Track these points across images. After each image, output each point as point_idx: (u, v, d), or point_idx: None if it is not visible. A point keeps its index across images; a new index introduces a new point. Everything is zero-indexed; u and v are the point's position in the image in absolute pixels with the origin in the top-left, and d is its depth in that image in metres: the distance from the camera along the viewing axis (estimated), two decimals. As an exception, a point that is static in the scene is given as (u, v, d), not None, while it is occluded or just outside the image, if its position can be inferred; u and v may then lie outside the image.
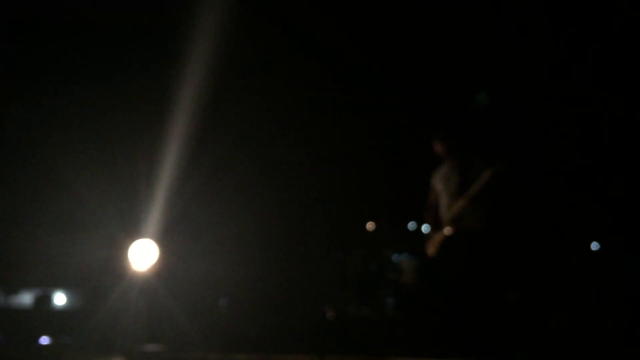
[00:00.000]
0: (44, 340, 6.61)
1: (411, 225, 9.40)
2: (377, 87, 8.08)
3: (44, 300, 8.04)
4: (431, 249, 4.72)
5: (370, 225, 9.14)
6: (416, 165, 8.49)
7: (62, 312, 8.00)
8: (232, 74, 6.73)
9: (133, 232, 5.44)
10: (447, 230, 4.55)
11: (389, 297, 8.00)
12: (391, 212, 8.88)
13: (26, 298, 8.13)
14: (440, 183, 4.72)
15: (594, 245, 8.38)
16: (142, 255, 5.16)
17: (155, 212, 5.76)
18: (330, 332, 7.53)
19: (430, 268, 5.74)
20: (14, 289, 8.06)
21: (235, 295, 7.56)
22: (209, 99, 6.55)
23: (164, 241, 5.45)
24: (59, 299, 8.15)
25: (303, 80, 7.65)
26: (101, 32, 6.48)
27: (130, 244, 5.22)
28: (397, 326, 7.20)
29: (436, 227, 4.78)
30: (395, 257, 8.43)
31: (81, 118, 6.48)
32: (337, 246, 8.89)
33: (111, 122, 6.39)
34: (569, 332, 5.97)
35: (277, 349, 5.96)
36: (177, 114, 6.17)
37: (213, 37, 6.11)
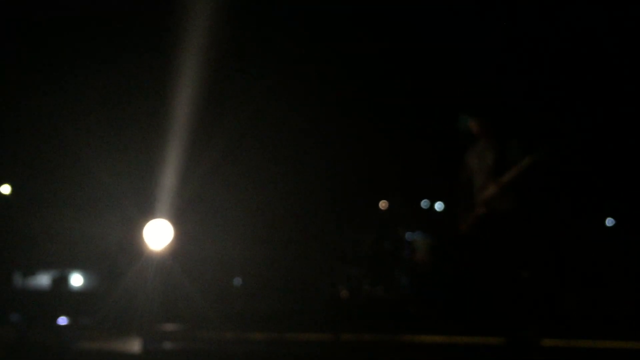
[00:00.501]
0: (62, 320, 6.70)
1: (424, 204, 9.38)
2: (391, 67, 8.03)
3: (61, 281, 8.14)
4: (463, 226, 4.66)
5: (383, 204, 9.10)
6: (429, 143, 8.49)
7: (80, 293, 8.11)
8: (243, 64, 6.75)
9: (148, 212, 5.47)
10: (480, 210, 4.49)
11: (402, 275, 8.00)
12: (404, 191, 8.85)
13: (44, 280, 8.24)
14: (474, 161, 4.60)
15: (609, 222, 8.38)
16: (158, 235, 5.19)
17: (170, 193, 5.78)
18: (344, 311, 7.57)
19: (451, 247, 5.68)
20: (31, 271, 8.17)
21: (249, 275, 7.62)
22: (221, 86, 6.57)
23: (179, 221, 5.47)
24: (76, 280, 8.25)
25: (315, 64, 7.64)
26: (120, 28, 6.53)
27: (145, 224, 5.25)
28: (411, 305, 7.20)
29: (468, 205, 4.70)
30: (408, 236, 8.40)
31: (98, 103, 6.52)
32: (351, 225, 8.88)
33: (126, 107, 6.42)
34: (585, 310, 5.97)
35: (292, 327, 6.02)
36: (192, 99, 6.18)
37: (224, 28, 6.14)
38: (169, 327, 5.60)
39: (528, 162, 4.09)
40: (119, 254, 6.18)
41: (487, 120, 4.45)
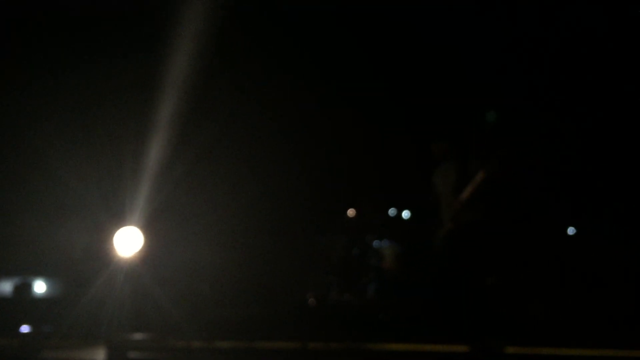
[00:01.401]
0: (25, 329, 6.55)
1: (392, 212, 9.50)
2: (362, 79, 8.11)
3: (24, 288, 7.95)
4: (437, 241, 4.96)
5: (351, 212, 9.19)
6: (397, 153, 8.60)
7: (43, 300, 7.93)
8: (214, 68, 6.73)
9: (118, 219, 5.40)
10: (449, 225, 4.76)
11: (370, 282, 8.06)
12: (372, 199, 8.94)
13: (6, 286, 8.04)
14: (439, 181, 4.99)
15: (571, 230, 8.60)
16: (127, 242, 5.13)
17: (141, 200, 5.73)
18: (313, 318, 7.58)
19: (417, 255, 5.88)
20: (-8, 277, 7.96)
21: (219, 281, 7.58)
22: (192, 90, 6.54)
23: (149, 228, 5.42)
24: (39, 287, 8.07)
25: (284, 72, 7.66)
26: (85, 27, 6.43)
27: (114, 231, 5.19)
28: (379, 312, 7.26)
29: (438, 222, 5.00)
30: (376, 243, 8.50)
31: (66, 107, 6.41)
32: (320, 233, 8.93)
33: (97, 111, 6.33)
34: (551, 317, 6.10)
35: (260, 335, 6.00)
36: (162, 104, 6.15)
37: (194, 33, 6.12)
38: (137, 336, 5.53)
39: (482, 175, 4.42)
40: (85, 261, 6.08)
41: (449, 144, 4.81)
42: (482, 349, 4.24)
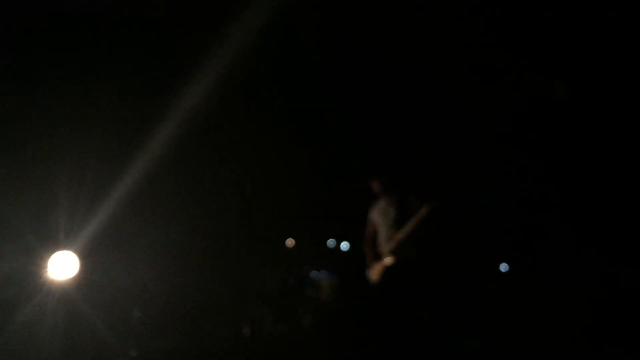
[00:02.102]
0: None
1: (330, 243, 9.53)
2: (302, 109, 8.18)
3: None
4: (374, 276, 5.06)
5: (289, 242, 9.17)
6: (336, 185, 8.67)
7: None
8: (160, 91, 6.65)
9: (51, 242, 5.18)
10: (388, 260, 4.85)
11: (306, 313, 8.01)
12: (310, 230, 8.96)
13: None
14: (378, 216, 5.14)
15: (503, 267, 8.87)
16: (60, 266, 4.93)
17: (76, 224, 5.53)
18: (246, 349, 7.46)
19: (355, 287, 5.95)
20: None
21: (153, 310, 7.36)
22: (133, 114, 6.44)
23: (83, 253, 5.24)
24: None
25: (226, 100, 7.62)
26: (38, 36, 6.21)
27: (47, 255, 4.97)
28: (314, 343, 7.24)
29: (375, 256, 5.06)
30: (313, 274, 8.48)
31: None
32: (256, 262, 8.85)
33: (29, 131, 6.08)
34: (483, 351, 6.25)
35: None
36: (100, 127, 6.01)
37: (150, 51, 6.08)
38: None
39: (423, 212, 4.64)
40: (10, 286, 5.77)
41: (388, 180, 4.99)
42: None
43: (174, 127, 7.03)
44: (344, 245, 9.49)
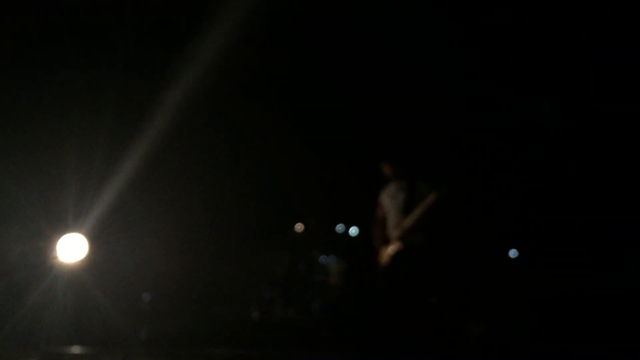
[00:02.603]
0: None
1: (339, 228, 9.54)
2: (311, 92, 8.16)
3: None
4: (383, 260, 5.06)
5: (299, 227, 9.19)
6: (346, 169, 8.66)
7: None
8: (167, 75, 6.66)
9: (60, 225, 5.21)
10: (395, 246, 4.86)
11: (315, 298, 8.05)
12: (320, 215, 8.97)
13: None
14: (387, 200, 5.12)
15: (512, 253, 8.87)
16: (70, 249, 4.96)
17: (86, 206, 5.56)
18: (255, 333, 7.51)
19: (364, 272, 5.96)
20: None
21: (162, 292, 7.45)
22: (140, 96, 6.45)
23: (92, 235, 5.26)
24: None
25: (236, 81, 7.61)
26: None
27: (56, 237, 5.01)
28: (322, 328, 7.27)
29: (383, 241, 5.07)
30: (322, 259, 8.51)
31: (6, 109, 6.16)
32: (266, 247, 8.90)
33: (38, 113, 6.10)
34: (489, 337, 6.25)
35: (201, 348, 5.90)
36: (108, 110, 6.03)
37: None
38: (76, 349, 5.32)
39: (432, 199, 4.62)
40: (21, 269, 5.81)
41: (398, 164, 4.96)
42: None
43: (184, 110, 7.05)
44: (353, 231, 9.51)
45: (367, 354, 5.36)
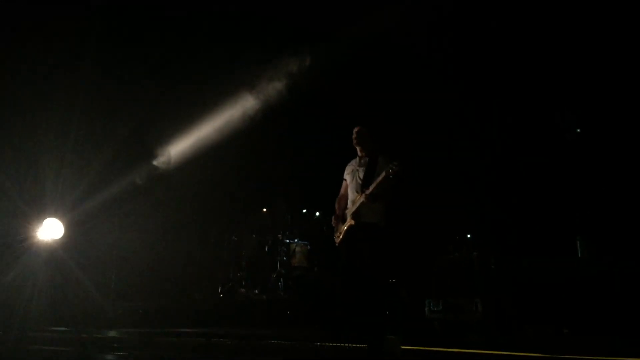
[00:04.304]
0: None
1: (305, 211, 9.76)
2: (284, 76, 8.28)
3: None
4: (337, 238, 5.02)
5: (266, 211, 9.40)
6: (315, 153, 8.84)
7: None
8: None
9: (36, 207, 5.38)
10: (349, 223, 4.83)
11: (280, 279, 8.28)
12: (286, 198, 9.15)
13: None
14: (349, 176, 5.02)
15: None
16: (47, 230, 5.14)
17: (62, 190, 5.72)
18: (222, 311, 7.75)
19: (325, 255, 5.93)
20: None
21: (135, 273, 7.63)
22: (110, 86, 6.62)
23: (69, 218, 5.44)
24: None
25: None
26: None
27: (35, 219, 5.18)
28: (286, 307, 7.46)
29: (341, 218, 5.02)
30: (287, 241, 8.70)
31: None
32: (234, 230, 9.08)
33: (17, 106, 6.23)
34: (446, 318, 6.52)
35: (165, 327, 6.13)
36: (83, 97, 6.18)
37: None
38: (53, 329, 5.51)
39: (385, 175, 4.56)
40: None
41: (366, 132, 4.89)
42: (379, 347, 4.44)
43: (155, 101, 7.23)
44: (318, 214, 9.73)
45: (327, 332, 5.58)
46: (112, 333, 5.30)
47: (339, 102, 8.00)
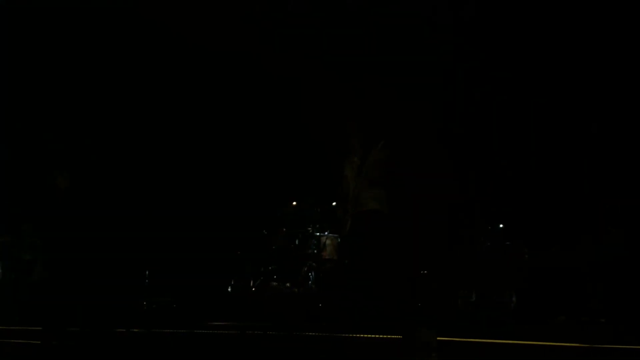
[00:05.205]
0: None
1: (335, 203, 9.75)
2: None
3: None
4: (343, 229, 5.02)
5: (294, 203, 9.42)
6: (340, 148, 8.84)
7: None
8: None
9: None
10: (352, 213, 4.91)
11: (310, 272, 8.31)
12: (314, 191, 9.16)
13: None
14: (348, 170, 5.11)
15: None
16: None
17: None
18: (253, 306, 7.82)
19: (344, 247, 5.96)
20: None
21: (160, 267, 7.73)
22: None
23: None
24: None
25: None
26: None
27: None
28: (317, 301, 7.49)
29: (346, 208, 5.09)
30: (318, 234, 8.72)
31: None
32: (262, 224, 9.12)
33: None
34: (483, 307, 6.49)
35: (201, 320, 6.19)
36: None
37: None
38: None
39: (379, 165, 4.51)
40: None
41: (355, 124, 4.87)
42: (414, 339, 4.44)
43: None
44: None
45: (360, 324, 5.60)
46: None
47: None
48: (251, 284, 8.57)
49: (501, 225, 9.24)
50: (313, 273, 8.33)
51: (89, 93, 7.89)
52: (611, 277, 5.98)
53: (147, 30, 7.31)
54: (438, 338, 4.51)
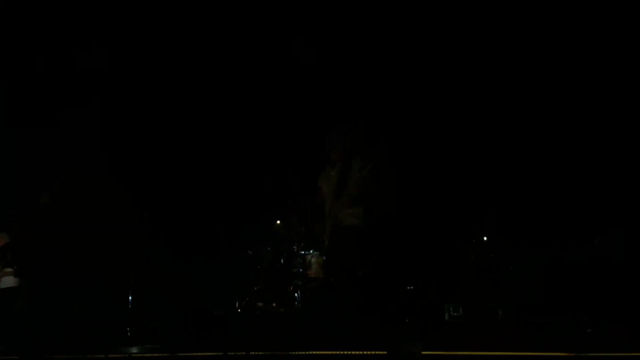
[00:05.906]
0: None
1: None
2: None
3: None
4: (322, 246, 4.95)
5: (279, 223, 9.39)
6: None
7: None
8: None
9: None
10: (328, 229, 4.76)
11: (297, 291, 8.25)
12: (299, 211, 9.13)
13: None
14: (324, 184, 4.95)
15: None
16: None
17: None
18: (238, 325, 7.72)
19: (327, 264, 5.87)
20: None
21: (143, 289, 7.65)
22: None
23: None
24: None
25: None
26: None
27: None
28: (303, 320, 7.41)
29: (323, 224, 4.93)
30: (302, 252, 8.67)
31: None
32: (248, 243, 9.07)
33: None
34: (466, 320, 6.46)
35: (186, 342, 6.11)
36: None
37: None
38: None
39: (357, 177, 4.45)
40: None
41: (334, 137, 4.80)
42: (399, 353, 4.38)
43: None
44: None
45: (346, 340, 5.54)
46: (134, 350, 5.29)
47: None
48: (237, 305, 8.48)
49: (485, 238, 9.28)
50: (299, 292, 8.25)
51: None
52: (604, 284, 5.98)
53: (147, 30, 7.25)
54: (423, 352, 4.48)
